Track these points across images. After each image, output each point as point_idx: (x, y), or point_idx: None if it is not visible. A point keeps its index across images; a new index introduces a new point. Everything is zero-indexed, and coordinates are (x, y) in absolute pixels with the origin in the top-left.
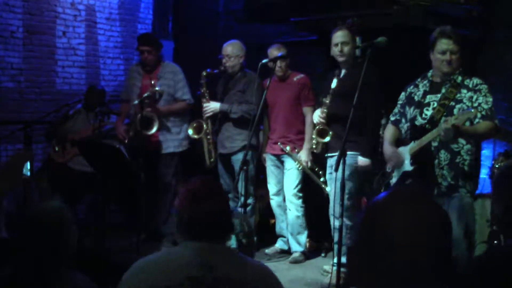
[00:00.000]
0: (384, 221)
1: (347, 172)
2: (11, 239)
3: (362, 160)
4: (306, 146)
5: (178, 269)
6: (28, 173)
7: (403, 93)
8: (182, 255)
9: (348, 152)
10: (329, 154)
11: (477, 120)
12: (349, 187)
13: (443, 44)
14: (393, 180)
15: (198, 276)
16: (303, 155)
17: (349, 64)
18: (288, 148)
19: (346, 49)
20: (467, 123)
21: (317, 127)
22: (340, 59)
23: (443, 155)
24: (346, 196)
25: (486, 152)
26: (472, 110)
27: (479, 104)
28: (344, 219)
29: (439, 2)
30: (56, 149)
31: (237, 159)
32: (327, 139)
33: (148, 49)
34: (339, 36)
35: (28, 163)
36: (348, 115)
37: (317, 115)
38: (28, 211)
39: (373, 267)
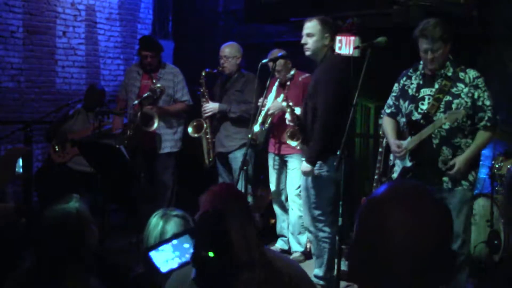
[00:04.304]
0: (382, 217)
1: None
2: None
3: (304, 165)
4: None
5: None
6: (21, 170)
7: (396, 85)
8: None
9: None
10: None
11: (481, 125)
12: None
13: (423, 43)
14: (395, 175)
15: None
16: None
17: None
18: (295, 143)
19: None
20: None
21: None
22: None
23: (446, 150)
24: (313, 206)
25: (486, 152)
26: (461, 110)
27: (483, 102)
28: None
29: (439, 2)
30: (56, 149)
31: (234, 157)
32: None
33: (152, 54)
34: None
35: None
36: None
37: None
38: (48, 211)
39: (373, 264)
